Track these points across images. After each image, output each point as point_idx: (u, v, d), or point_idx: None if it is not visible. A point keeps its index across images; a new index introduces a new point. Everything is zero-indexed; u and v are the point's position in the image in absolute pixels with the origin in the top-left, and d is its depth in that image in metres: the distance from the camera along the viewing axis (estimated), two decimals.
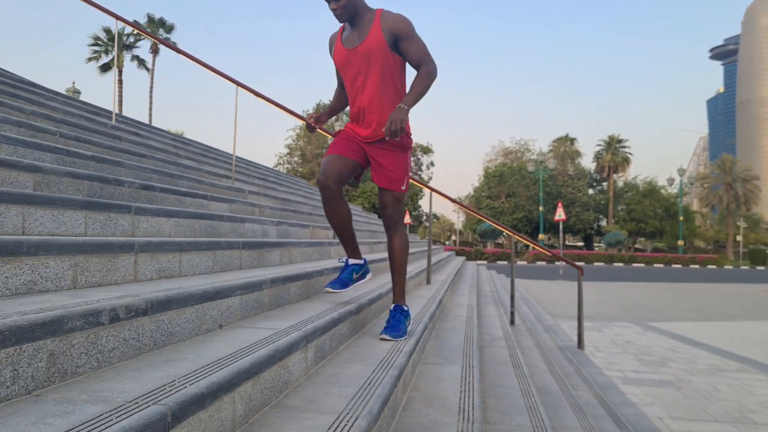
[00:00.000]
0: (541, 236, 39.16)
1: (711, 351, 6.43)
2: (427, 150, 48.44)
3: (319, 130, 3.08)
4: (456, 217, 68.46)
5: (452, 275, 7.61)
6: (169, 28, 38.12)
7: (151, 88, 38.23)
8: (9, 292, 1.45)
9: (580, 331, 6.37)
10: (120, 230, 2.35)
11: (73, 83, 20.94)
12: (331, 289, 2.75)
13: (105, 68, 36.71)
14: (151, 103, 38.21)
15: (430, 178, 49.08)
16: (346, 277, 2.82)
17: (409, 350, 2.35)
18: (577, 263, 6.82)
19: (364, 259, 2.94)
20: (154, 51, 37.95)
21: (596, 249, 55.66)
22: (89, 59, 36.20)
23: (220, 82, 4.89)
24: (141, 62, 37.80)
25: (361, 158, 2.72)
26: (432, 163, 49.00)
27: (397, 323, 2.66)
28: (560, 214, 20.67)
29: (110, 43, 36.10)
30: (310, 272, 2.95)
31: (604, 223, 51.47)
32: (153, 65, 38.18)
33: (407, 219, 35.35)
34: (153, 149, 4.69)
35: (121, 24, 5.29)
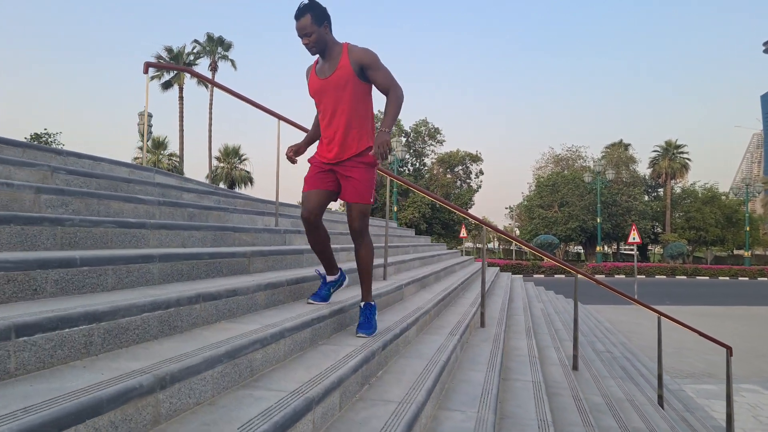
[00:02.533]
0: (598, 248, 38.18)
1: None
2: (476, 158, 47.92)
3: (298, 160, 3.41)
4: (503, 223, 67.21)
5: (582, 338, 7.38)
6: (227, 46, 39.02)
7: (211, 103, 39.15)
8: None
9: (730, 411, 6.08)
10: None
11: (147, 104, 21.51)
12: (312, 302, 3.25)
13: (167, 86, 37.87)
14: (210, 117, 39.12)
15: (479, 187, 48.52)
16: (326, 294, 3.34)
17: None
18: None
19: (340, 270, 3.44)
20: (213, 68, 38.91)
21: (648, 255, 53.87)
22: (152, 77, 37.40)
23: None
24: (200, 80, 38.76)
25: (334, 185, 3.12)
26: (481, 171, 48.46)
27: (368, 320, 3.15)
28: (634, 237, 20.04)
29: (172, 61, 37.21)
30: None
31: (659, 230, 49.78)
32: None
33: (463, 233, 35.04)
34: None
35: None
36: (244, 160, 41.55)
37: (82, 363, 1.73)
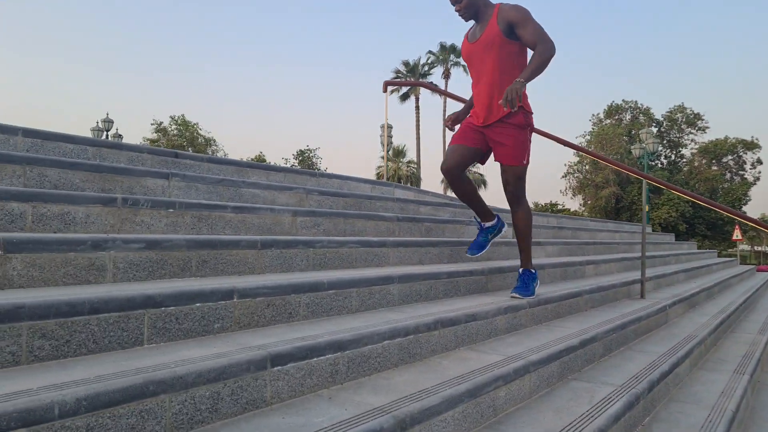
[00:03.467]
0: None
1: None
2: (751, 145, 40.12)
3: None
4: None
5: None
6: (459, 53, 40.11)
7: (444, 110, 40.73)
8: None
9: None
10: None
11: (386, 120, 23.31)
12: (470, 255, 3.37)
13: (404, 98, 40.70)
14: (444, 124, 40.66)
15: (757, 179, 40.44)
16: (483, 241, 3.39)
17: None
18: None
19: (497, 216, 3.44)
20: (446, 76, 40.43)
21: None
22: (392, 91, 40.61)
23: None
24: (433, 91, 40.72)
25: (481, 144, 3.11)
26: (759, 161, 40.36)
27: (525, 285, 3.09)
28: None
29: (408, 74, 39.88)
30: None
31: None
32: (445, 89, 40.80)
33: (736, 234, 29.78)
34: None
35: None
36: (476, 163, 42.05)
37: (328, 392, 1.75)
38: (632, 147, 28.22)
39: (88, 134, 23.39)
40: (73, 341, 1.43)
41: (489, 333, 2.66)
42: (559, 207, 42.13)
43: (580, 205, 40.17)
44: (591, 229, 7.17)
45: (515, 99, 2.68)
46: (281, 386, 1.62)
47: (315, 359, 1.74)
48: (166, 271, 1.99)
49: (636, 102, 40.06)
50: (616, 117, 40.22)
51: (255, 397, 1.55)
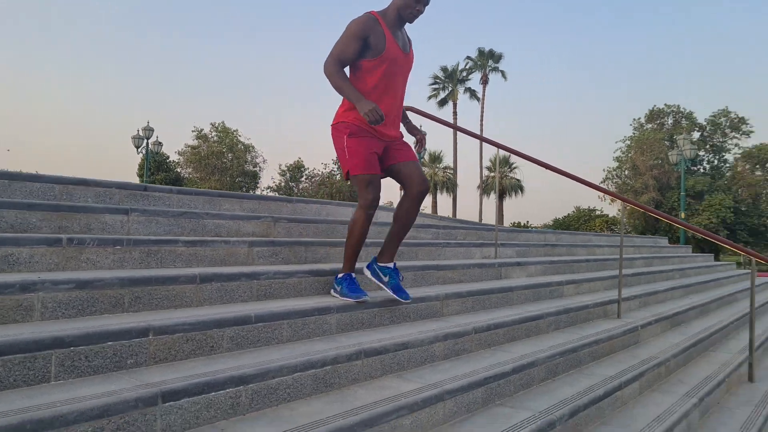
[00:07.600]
0: None
1: None
2: None
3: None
4: None
5: None
6: (498, 58, 40.40)
7: (482, 115, 40.79)
8: None
9: None
10: None
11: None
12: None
13: (442, 103, 41.01)
14: (481, 128, 40.57)
15: None
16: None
17: None
18: None
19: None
20: (484, 82, 40.49)
21: None
22: (429, 97, 41.06)
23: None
24: (472, 93, 40.97)
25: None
26: None
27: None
28: None
29: (447, 80, 40.10)
30: None
31: None
32: (483, 95, 41.07)
33: None
34: None
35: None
36: (515, 168, 41.59)
37: (225, 424, 1.90)
38: (670, 153, 27.42)
39: (130, 143, 24.16)
40: None
41: (424, 360, 2.77)
42: (597, 213, 41.21)
43: (618, 210, 39.28)
44: (591, 245, 7.11)
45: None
46: (173, 420, 1.79)
47: (213, 393, 1.90)
48: (97, 308, 2.19)
49: (678, 106, 39.12)
50: (658, 121, 39.44)
51: (144, 431, 1.72)
